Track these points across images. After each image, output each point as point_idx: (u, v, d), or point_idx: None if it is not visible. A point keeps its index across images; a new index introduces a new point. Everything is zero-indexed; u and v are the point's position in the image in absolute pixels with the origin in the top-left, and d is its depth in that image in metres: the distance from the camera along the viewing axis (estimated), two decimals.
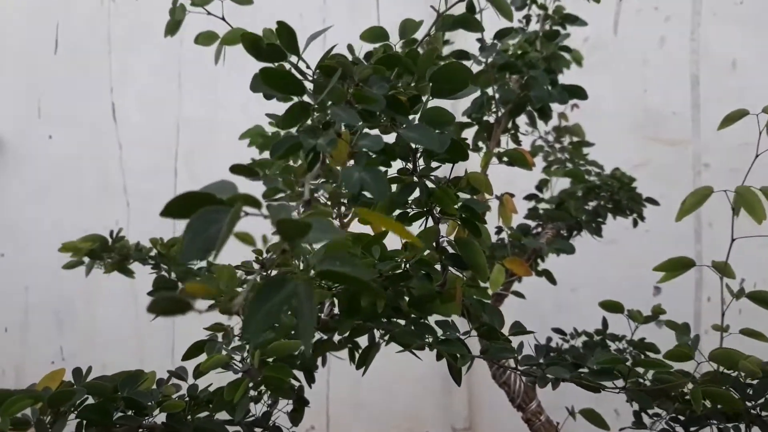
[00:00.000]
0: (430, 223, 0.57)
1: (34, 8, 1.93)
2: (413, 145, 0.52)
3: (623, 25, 1.53)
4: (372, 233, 0.56)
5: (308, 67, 0.52)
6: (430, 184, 0.55)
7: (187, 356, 0.56)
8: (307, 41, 0.51)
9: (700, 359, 0.60)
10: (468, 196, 0.57)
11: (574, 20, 0.88)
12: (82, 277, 0.78)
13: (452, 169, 0.56)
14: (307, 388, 0.62)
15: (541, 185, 1.01)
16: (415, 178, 0.55)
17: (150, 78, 1.85)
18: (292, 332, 0.56)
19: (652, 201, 1.00)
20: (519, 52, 0.83)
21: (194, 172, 1.79)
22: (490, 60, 0.82)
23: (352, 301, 0.52)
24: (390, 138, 0.51)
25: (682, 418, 0.60)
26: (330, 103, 0.46)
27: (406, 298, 0.57)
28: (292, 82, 0.44)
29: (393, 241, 0.52)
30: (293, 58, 0.51)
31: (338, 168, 0.52)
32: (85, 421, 0.49)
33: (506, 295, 0.91)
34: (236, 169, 0.39)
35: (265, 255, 0.66)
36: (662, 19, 1.50)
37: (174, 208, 0.28)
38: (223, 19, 0.69)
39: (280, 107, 0.51)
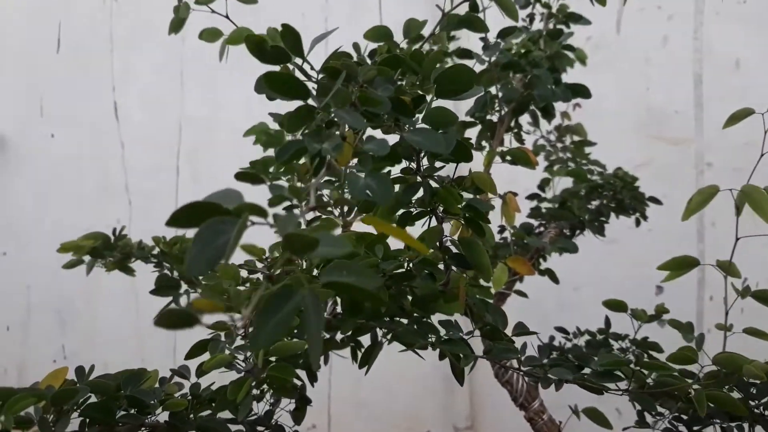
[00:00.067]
0: (434, 222, 0.57)
1: (35, 7, 1.93)
2: None
3: (626, 24, 1.52)
4: (375, 232, 0.56)
5: (312, 68, 0.52)
6: (433, 184, 0.55)
7: (190, 355, 0.56)
8: (311, 44, 0.51)
9: (704, 357, 0.60)
10: (471, 196, 0.57)
11: (578, 19, 0.88)
12: (84, 276, 0.78)
13: (456, 168, 0.56)
14: (309, 386, 0.62)
15: (543, 184, 1.01)
16: (419, 178, 0.55)
17: (152, 77, 1.85)
18: (295, 331, 0.56)
19: (655, 200, 1.00)
20: (522, 50, 0.83)
21: (196, 171, 1.79)
22: (493, 59, 0.81)
23: (354, 300, 0.52)
24: (393, 137, 0.51)
25: (685, 417, 0.60)
26: (334, 106, 0.46)
27: (409, 298, 0.57)
28: (297, 86, 0.44)
29: (396, 240, 0.52)
30: (297, 60, 0.51)
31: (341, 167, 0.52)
32: (87, 420, 0.49)
33: (509, 294, 0.90)
34: (240, 176, 0.39)
35: (267, 254, 0.66)
36: (665, 18, 1.50)
37: (180, 218, 0.28)
38: (226, 17, 0.69)
39: (282, 105, 0.51)
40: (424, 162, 0.55)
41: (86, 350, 1.83)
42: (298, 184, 0.75)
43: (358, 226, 0.66)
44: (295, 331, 0.56)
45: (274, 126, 0.85)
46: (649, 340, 0.75)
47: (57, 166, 1.89)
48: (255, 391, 0.56)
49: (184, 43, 1.76)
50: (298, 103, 0.46)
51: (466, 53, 0.85)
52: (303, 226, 0.36)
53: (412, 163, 0.55)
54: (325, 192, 0.74)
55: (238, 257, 0.58)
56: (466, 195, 0.56)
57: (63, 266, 0.76)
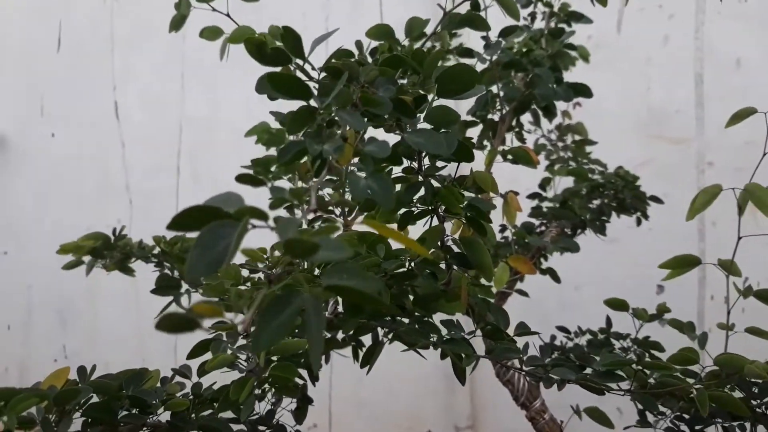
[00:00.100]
0: (435, 221, 0.57)
1: (36, 7, 1.94)
2: None
3: (627, 23, 1.52)
4: (376, 232, 0.56)
5: (313, 68, 0.52)
6: (435, 183, 0.55)
7: (192, 355, 0.56)
8: (312, 45, 0.51)
9: (705, 356, 0.60)
10: (472, 195, 0.57)
11: (580, 18, 0.88)
12: (85, 275, 0.78)
13: (458, 167, 0.56)
14: (309, 386, 0.62)
15: (544, 184, 1.01)
16: (420, 178, 0.55)
17: (152, 76, 1.85)
18: (296, 330, 0.56)
19: (657, 199, 1.00)
20: (524, 49, 0.82)
21: (197, 171, 1.79)
22: (494, 58, 0.81)
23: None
24: (395, 137, 0.51)
25: (686, 416, 0.60)
26: (336, 107, 0.46)
27: (411, 297, 0.57)
28: (299, 87, 0.44)
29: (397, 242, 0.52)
30: (298, 61, 0.51)
31: (342, 167, 0.52)
32: (90, 420, 0.49)
33: (510, 294, 0.90)
34: (241, 178, 0.39)
35: (267, 254, 0.66)
36: (666, 17, 1.49)
37: (181, 222, 0.28)
38: (227, 15, 0.69)
39: (283, 105, 0.51)
40: (426, 161, 0.55)
41: (87, 350, 1.83)
42: (300, 184, 0.75)
43: (360, 226, 0.66)
44: (296, 330, 0.56)
45: (276, 125, 0.85)
46: (650, 340, 0.75)
47: (57, 166, 1.89)
48: (257, 391, 0.56)
49: (184, 43, 1.76)
50: (299, 101, 0.46)
51: (467, 52, 0.85)
52: (304, 226, 0.36)
53: (413, 163, 0.55)
54: (327, 191, 0.74)
55: (240, 257, 0.58)
56: (468, 194, 0.56)
57: (63, 267, 0.76)
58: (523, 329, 0.63)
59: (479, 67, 0.81)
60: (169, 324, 0.25)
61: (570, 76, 0.89)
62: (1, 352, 1.90)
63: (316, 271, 0.57)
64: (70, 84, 1.90)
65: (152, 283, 0.76)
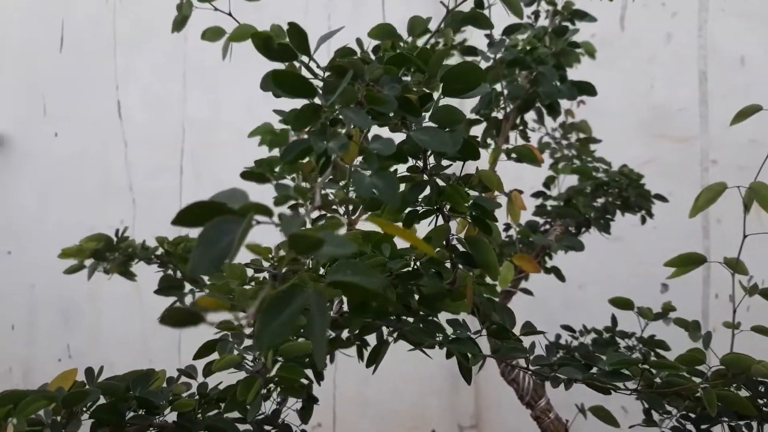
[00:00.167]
0: (440, 220, 0.57)
1: (39, 6, 1.94)
2: None
3: (630, 21, 1.52)
4: (381, 231, 0.56)
5: (318, 66, 0.52)
6: (440, 182, 0.54)
7: (198, 356, 0.56)
8: (317, 43, 0.51)
9: (711, 355, 0.60)
10: (476, 193, 0.57)
11: (583, 16, 0.88)
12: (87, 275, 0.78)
13: (463, 166, 0.56)
14: (314, 385, 0.62)
15: (549, 182, 1.01)
16: (426, 176, 0.54)
17: (155, 76, 1.85)
18: (302, 330, 0.56)
19: (661, 198, 0.99)
20: (528, 47, 0.82)
21: (200, 170, 1.79)
22: (498, 56, 0.81)
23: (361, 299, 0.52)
24: (400, 135, 0.51)
25: (692, 415, 0.60)
26: (340, 105, 0.46)
27: (416, 296, 0.57)
28: (304, 85, 0.44)
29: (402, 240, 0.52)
30: (304, 58, 0.50)
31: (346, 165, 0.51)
32: (97, 421, 0.49)
33: (515, 292, 0.90)
34: (246, 175, 0.39)
35: (272, 253, 0.66)
36: (669, 15, 1.49)
37: (185, 218, 0.27)
38: (230, 15, 0.69)
39: (286, 104, 0.51)
40: (431, 160, 0.55)
41: (91, 349, 1.84)
42: (303, 183, 0.75)
43: (365, 225, 0.66)
44: (302, 330, 0.56)
45: (279, 126, 0.85)
46: (655, 338, 0.74)
47: (60, 166, 1.89)
48: (262, 391, 0.56)
49: (186, 42, 1.76)
50: (302, 100, 0.46)
51: (471, 50, 0.84)
52: (308, 225, 0.36)
53: (418, 162, 0.55)
54: (331, 190, 0.74)
55: (245, 256, 0.58)
56: (472, 193, 0.56)
57: (65, 271, 0.76)
58: (529, 329, 0.63)
59: (483, 65, 0.81)
60: (174, 318, 0.25)
61: (574, 74, 0.88)
62: (5, 351, 1.90)
63: (322, 271, 0.57)
64: (72, 83, 1.90)
65: (155, 283, 0.76)
